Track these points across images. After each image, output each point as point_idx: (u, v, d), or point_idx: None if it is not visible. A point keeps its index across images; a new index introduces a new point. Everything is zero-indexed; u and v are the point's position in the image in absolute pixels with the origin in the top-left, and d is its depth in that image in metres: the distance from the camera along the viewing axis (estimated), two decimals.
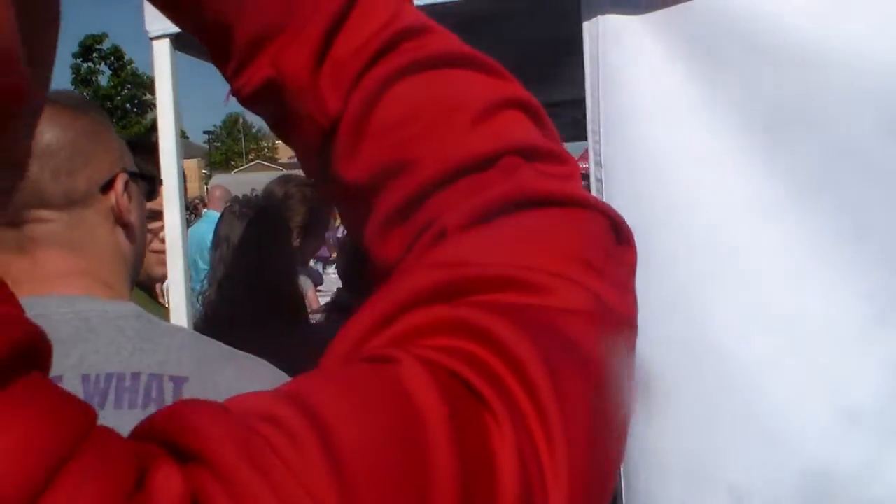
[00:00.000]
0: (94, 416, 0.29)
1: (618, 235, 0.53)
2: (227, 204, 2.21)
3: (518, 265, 0.45)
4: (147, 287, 1.93)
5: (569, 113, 2.92)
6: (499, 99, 0.54)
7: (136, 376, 0.90)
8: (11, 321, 0.28)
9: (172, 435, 0.30)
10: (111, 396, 0.89)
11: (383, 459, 0.32)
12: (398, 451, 0.32)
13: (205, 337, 1.00)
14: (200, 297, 2.13)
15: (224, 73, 0.59)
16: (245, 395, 0.35)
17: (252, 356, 0.98)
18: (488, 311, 0.41)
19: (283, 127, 0.60)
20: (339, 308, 2.32)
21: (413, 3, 0.58)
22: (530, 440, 0.36)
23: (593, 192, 1.35)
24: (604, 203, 0.53)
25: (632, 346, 0.49)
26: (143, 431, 0.32)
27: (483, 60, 0.56)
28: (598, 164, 1.39)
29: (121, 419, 0.27)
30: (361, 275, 2.20)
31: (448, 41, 0.56)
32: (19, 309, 0.29)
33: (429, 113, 0.53)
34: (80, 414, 0.29)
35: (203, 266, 3.29)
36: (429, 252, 0.49)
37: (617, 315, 0.47)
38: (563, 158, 0.54)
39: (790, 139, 1.25)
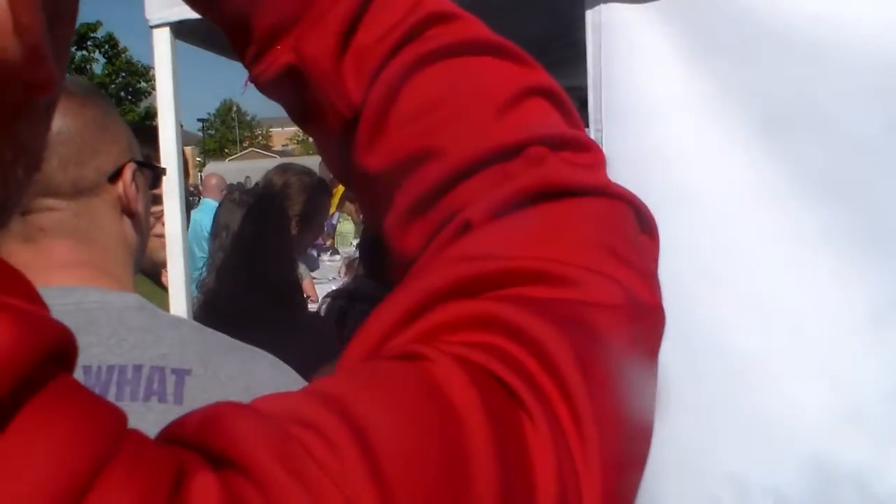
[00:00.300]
0: (126, 419, 0.29)
1: (641, 224, 0.52)
2: (226, 192, 2.20)
3: (545, 257, 0.44)
4: (152, 272, 1.91)
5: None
6: (524, 87, 0.53)
7: (138, 369, 0.89)
8: (44, 323, 0.27)
9: (205, 440, 0.30)
10: (113, 389, 0.88)
11: (423, 463, 0.31)
12: (438, 455, 0.32)
13: (208, 329, 0.99)
14: (198, 285, 2.13)
15: (242, 59, 0.57)
16: (274, 395, 0.34)
17: (255, 348, 0.97)
18: (516, 305, 0.40)
19: (303, 115, 0.59)
20: (361, 296, 2.27)
21: None
22: (564, 439, 0.36)
23: None
24: (627, 191, 0.52)
25: (659, 336, 0.48)
26: (174, 434, 0.31)
27: (509, 48, 0.54)
28: None
29: None
30: (386, 264, 2.16)
31: (473, 28, 0.55)
32: (46, 308, 0.29)
33: (453, 101, 0.52)
34: (115, 415, 0.28)
35: (200, 254, 3.27)
36: (452, 245, 0.48)
37: (643, 305, 0.46)
38: (587, 146, 0.54)
39: (794, 134, 1.24)
